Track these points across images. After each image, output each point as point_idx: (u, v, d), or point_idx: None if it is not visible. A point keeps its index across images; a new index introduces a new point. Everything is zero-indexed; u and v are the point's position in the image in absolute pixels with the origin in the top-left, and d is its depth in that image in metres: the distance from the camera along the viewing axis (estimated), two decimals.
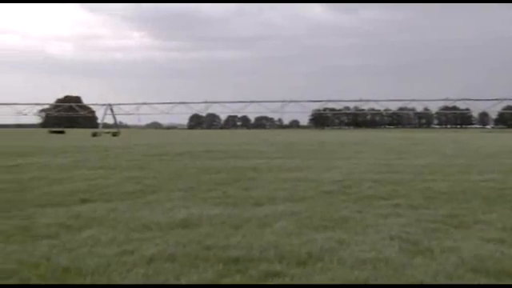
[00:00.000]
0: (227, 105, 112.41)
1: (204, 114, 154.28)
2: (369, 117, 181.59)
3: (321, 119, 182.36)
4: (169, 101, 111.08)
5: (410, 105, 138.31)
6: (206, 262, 6.33)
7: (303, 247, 6.94)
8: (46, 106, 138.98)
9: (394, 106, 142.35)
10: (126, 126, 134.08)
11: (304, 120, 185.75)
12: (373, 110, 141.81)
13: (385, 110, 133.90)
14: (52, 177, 15.95)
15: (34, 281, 5.62)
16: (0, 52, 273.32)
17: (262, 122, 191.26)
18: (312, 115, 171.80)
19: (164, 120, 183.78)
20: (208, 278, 5.77)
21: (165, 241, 7.36)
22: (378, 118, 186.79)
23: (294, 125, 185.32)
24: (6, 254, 6.58)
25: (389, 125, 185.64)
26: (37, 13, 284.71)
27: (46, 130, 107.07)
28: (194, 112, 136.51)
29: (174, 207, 10.26)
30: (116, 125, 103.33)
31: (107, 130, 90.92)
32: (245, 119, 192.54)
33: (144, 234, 7.86)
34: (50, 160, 23.31)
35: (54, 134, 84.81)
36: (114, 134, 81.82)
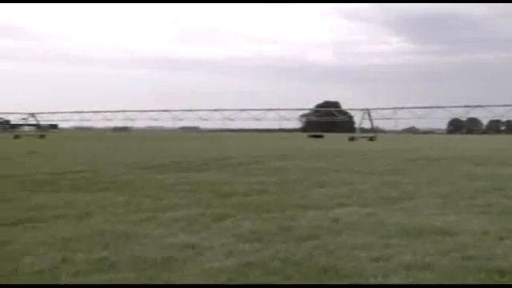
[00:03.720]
0: (490, 109, 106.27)
1: (464, 119, 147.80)
2: None
3: None
4: (426, 105, 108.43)
5: None
6: (466, 272, 6.10)
7: None
8: (307, 111, 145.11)
9: None
10: (383, 131, 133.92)
11: None
12: None
13: None
14: (312, 179, 16.59)
15: (296, 279, 5.93)
16: (265, 60, 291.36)
17: None
18: None
19: (421, 125, 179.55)
20: None
21: (422, 248, 7.24)
22: None
23: None
24: (272, 252, 7.03)
25: None
26: (296, 21, 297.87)
27: (305, 134, 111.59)
28: (454, 116, 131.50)
29: (431, 214, 10.04)
30: (373, 129, 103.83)
31: (364, 135, 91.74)
32: (510, 124, 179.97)
33: (401, 240, 7.82)
34: (310, 163, 24.26)
35: (314, 138, 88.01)
36: (371, 139, 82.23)
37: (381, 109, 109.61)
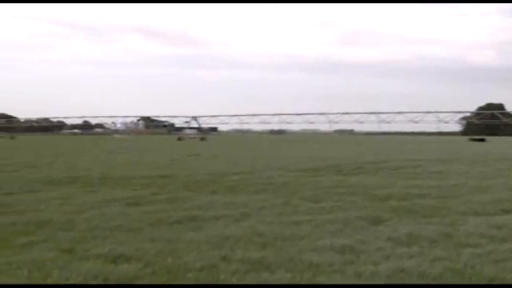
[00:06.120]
0: None
1: None
2: None
3: None
4: None
5: None
6: None
7: None
8: (467, 114, 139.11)
9: None
10: None
11: None
12: None
13: None
14: (472, 184, 15.87)
15: None
16: (423, 62, 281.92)
17: None
18: None
19: None
20: None
21: None
22: None
23: None
24: (430, 258, 6.83)
25: None
26: (458, 22, 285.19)
27: (466, 137, 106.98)
28: None
29: None
30: None
31: None
32: None
33: None
34: (472, 167, 23.22)
35: (475, 142, 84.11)
36: None
37: None
